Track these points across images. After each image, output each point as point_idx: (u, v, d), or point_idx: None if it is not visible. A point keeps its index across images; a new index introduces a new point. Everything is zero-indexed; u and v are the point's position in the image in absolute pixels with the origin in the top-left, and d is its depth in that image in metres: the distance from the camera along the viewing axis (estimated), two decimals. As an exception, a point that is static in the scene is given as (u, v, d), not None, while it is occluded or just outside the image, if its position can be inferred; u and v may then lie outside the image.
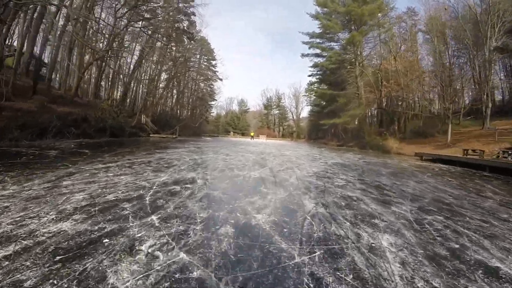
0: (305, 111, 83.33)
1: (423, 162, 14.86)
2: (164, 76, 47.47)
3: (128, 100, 38.42)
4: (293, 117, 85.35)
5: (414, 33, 37.12)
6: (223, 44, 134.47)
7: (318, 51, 40.16)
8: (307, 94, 77.51)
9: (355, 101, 34.21)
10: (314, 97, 70.35)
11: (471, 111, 26.84)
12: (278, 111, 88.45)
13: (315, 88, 49.03)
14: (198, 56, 56.28)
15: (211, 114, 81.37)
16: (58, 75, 30.02)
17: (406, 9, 38.86)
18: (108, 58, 29.23)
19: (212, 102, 72.01)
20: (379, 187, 5.94)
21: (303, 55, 41.19)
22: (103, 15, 27.64)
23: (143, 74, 40.02)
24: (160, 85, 47.16)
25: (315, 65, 43.09)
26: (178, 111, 57.38)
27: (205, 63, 60.35)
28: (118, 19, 26.63)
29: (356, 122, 38.57)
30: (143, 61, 37.82)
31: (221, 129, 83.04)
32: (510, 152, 14.16)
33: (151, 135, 29.27)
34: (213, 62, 61.05)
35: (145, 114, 37.70)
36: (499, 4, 23.09)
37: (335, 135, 55.81)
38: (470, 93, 32.18)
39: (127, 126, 25.06)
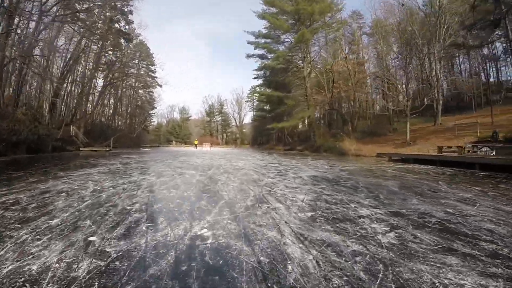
0: (248, 117, 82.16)
1: (395, 164, 13.47)
2: (99, 82, 42.34)
3: (57, 110, 32.93)
4: (236, 123, 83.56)
5: (359, 36, 37.58)
6: (163, 52, 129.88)
7: (263, 52, 38.08)
8: (250, 99, 76.81)
9: (303, 103, 33.00)
10: (257, 102, 69.48)
11: (415, 109, 27.17)
12: (220, 118, 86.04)
13: (260, 91, 46.58)
14: (136, 61, 51.64)
15: (152, 123, 76.57)
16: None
17: (352, 12, 39.36)
18: (28, 60, 24.26)
19: (153, 111, 67.53)
20: (447, 230, 3.10)
21: (248, 56, 38.86)
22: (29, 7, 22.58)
23: (75, 79, 34.68)
24: (95, 92, 41.95)
25: (261, 67, 40.52)
26: (116, 121, 52.13)
27: (144, 69, 55.75)
28: (44, 13, 22.20)
29: (305, 125, 37.71)
30: (75, 65, 32.86)
31: (163, 139, 78.45)
32: (479, 146, 13.51)
33: (81, 149, 24.86)
34: (152, 68, 56.80)
35: (77, 125, 32.72)
36: (445, 7, 23.85)
37: (280, 139, 54.91)
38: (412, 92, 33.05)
39: (51, 139, 20.60)
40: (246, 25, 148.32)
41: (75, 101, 35.27)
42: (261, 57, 38.07)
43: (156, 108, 65.64)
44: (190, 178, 7.17)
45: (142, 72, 55.51)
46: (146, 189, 5.50)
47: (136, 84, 54.04)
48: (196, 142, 52.46)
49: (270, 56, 37.31)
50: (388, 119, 30.38)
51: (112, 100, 49.42)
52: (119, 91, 49.53)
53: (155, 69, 56.72)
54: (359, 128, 27.59)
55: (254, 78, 45.54)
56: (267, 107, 59.87)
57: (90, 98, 41.33)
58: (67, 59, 30.09)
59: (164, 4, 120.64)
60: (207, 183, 6.39)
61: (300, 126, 46.20)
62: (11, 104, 20.01)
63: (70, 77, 32.55)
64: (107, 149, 26.27)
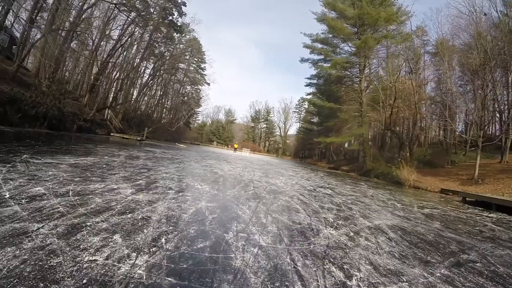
0: (293, 129, 79.33)
1: (474, 208, 9.97)
2: (147, 72, 42.22)
3: (98, 92, 32.82)
4: (280, 132, 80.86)
5: (421, 54, 33.27)
6: (213, 53, 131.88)
7: (319, 57, 34.21)
8: (298, 110, 74.10)
9: (355, 119, 29.48)
10: (306, 113, 66.39)
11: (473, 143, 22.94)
12: (265, 125, 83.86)
13: (312, 99, 42.24)
14: (187, 57, 51.33)
15: (197, 120, 76.47)
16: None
17: (416, 27, 35.03)
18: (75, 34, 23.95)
19: (198, 109, 66.98)
20: None
21: (302, 60, 35.24)
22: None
23: (122, 64, 34.37)
24: (141, 81, 41.92)
25: (316, 75, 36.89)
26: (158, 113, 52.07)
27: (193, 65, 55.42)
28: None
29: (353, 143, 34.02)
30: (124, 52, 32.62)
31: (205, 138, 77.75)
32: None
33: (111, 134, 23.73)
34: (202, 65, 56.28)
35: (116, 110, 32.25)
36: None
37: (324, 155, 51.24)
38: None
39: (78, 118, 19.52)
40: (299, 33, 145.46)
41: (118, 86, 35.04)
42: (316, 63, 34.86)
43: (201, 106, 64.84)
44: (187, 203, 3.95)
45: (192, 68, 55.18)
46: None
47: (184, 79, 53.66)
48: (236, 146, 50.21)
49: (326, 65, 33.98)
50: (445, 150, 25.96)
51: (159, 92, 49.38)
52: (166, 84, 49.32)
53: (204, 66, 56.11)
54: (415, 156, 23.58)
55: (306, 85, 41.60)
56: (315, 120, 56.63)
57: (137, 86, 41.38)
58: (116, 45, 29.63)
59: (216, 5, 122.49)
60: (208, 229, 3.01)
61: (346, 145, 42.44)
62: (44, 78, 19.24)
63: (115, 62, 32.23)
64: (139, 138, 24.91)
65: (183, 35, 44.68)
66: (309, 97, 46.46)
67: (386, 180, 19.93)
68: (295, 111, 77.04)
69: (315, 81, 38.44)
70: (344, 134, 29.42)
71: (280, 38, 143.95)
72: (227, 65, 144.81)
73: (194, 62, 54.75)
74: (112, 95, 34.25)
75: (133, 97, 40.23)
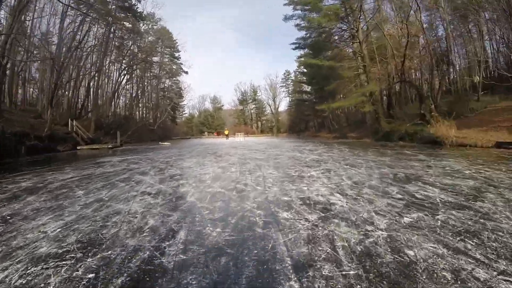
0: (283, 104, 75.36)
1: None
2: (115, 70, 37.58)
3: (61, 104, 28.33)
4: (271, 110, 76.71)
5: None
6: (193, 44, 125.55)
7: (304, 13, 27.84)
8: (285, 80, 70.09)
9: (358, 77, 25.29)
10: (296, 83, 62.01)
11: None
12: (254, 106, 79.37)
13: (307, 60, 34.84)
14: (159, 49, 46.57)
15: (184, 114, 72.44)
16: None
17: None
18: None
19: (183, 102, 62.79)
20: None
21: (286, 18, 29.10)
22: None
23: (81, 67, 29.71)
24: (113, 82, 37.22)
25: (303, 37, 31.63)
26: (140, 113, 47.87)
27: (167, 55, 50.80)
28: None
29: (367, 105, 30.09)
30: (80, 52, 27.94)
31: (195, 130, 73.59)
32: None
33: (79, 148, 19.68)
34: (176, 54, 51.77)
35: (87, 118, 28.09)
36: None
37: (322, 125, 47.43)
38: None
39: (29, 137, 15.47)
40: (274, 10, 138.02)
41: (84, 93, 30.62)
42: (303, 18, 28.37)
43: (183, 97, 60.65)
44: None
45: (166, 60, 50.41)
46: None
47: (161, 72, 49.05)
48: (226, 132, 45.22)
49: (316, 16, 26.66)
50: (458, 98, 22.28)
51: (136, 91, 44.70)
52: (142, 81, 44.71)
53: (179, 55, 51.53)
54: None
55: (294, 48, 36.29)
56: (308, 88, 52.55)
57: (108, 89, 36.82)
58: (68, 44, 24.96)
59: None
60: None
61: (347, 109, 38.63)
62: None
63: (76, 65, 27.65)
64: (110, 146, 20.78)
65: (148, 24, 40.03)
66: (297, 65, 41.64)
67: (414, 141, 16.29)
68: (282, 85, 72.75)
69: (303, 42, 32.78)
70: (350, 96, 25.10)
71: (253, 15, 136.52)
72: (206, 51, 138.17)
73: (167, 52, 50.03)
74: (80, 104, 29.95)
75: (106, 101, 35.82)
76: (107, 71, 34.94)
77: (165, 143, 25.08)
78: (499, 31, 22.67)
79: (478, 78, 20.95)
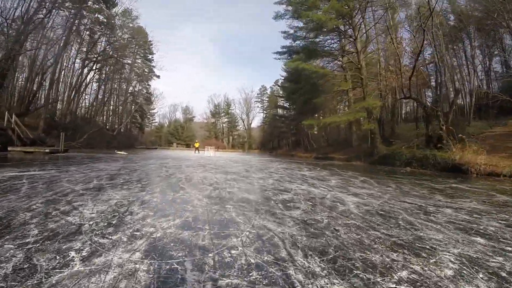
0: (256, 120, 72.62)
1: None
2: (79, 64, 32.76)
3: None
4: (244, 125, 73.61)
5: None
6: (168, 53, 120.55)
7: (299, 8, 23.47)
8: (261, 95, 67.67)
9: (350, 93, 22.42)
10: (269, 100, 59.57)
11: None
12: (227, 119, 75.93)
13: (294, 61, 27.43)
14: (133, 49, 42.11)
15: (154, 123, 67.69)
16: None
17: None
18: None
19: (154, 110, 58.48)
20: None
21: (277, 16, 25.25)
22: None
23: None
24: (77, 79, 32.32)
25: (298, 27, 26.23)
26: (104, 117, 42.92)
27: (139, 56, 46.56)
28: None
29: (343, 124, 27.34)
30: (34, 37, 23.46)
31: (164, 140, 68.66)
32: None
33: (9, 149, 15.19)
34: (150, 56, 47.79)
35: (28, 114, 23.44)
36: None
37: (298, 143, 44.59)
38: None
39: None
40: (254, 26, 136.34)
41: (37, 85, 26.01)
42: (298, 12, 23.92)
43: (153, 104, 56.68)
44: None
45: (139, 61, 46.10)
46: None
47: (132, 75, 44.60)
48: (197, 145, 40.46)
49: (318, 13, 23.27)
50: (459, 121, 20.18)
51: (102, 92, 39.84)
52: (108, 81, 39.94)
53: (152, 57, 47.38)
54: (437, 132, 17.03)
55: (280, 54, 30.07)
56: (287, 104, 49.75)
57: (69, 85, 32.03)
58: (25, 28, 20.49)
59: (166, 4, 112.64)
60: None
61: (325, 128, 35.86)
62: None
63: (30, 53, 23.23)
64: (47, 150, 16.19)
65: (123, 20, 35.87)
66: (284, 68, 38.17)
67: (426, 167, 13.46)
68: (257, 100, 70.19)
69: (288, 49, 28.56)
70: (343, 112, 22.12)
71: (234, 30, 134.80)
72: (183, 63, 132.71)
73: (141, 53, 45.75)
74: (31, 97, 25.26)
75: (64, 98, 31.15)
76: (69, 64, 30.50)
77: (121, 153, 20.77)
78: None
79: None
